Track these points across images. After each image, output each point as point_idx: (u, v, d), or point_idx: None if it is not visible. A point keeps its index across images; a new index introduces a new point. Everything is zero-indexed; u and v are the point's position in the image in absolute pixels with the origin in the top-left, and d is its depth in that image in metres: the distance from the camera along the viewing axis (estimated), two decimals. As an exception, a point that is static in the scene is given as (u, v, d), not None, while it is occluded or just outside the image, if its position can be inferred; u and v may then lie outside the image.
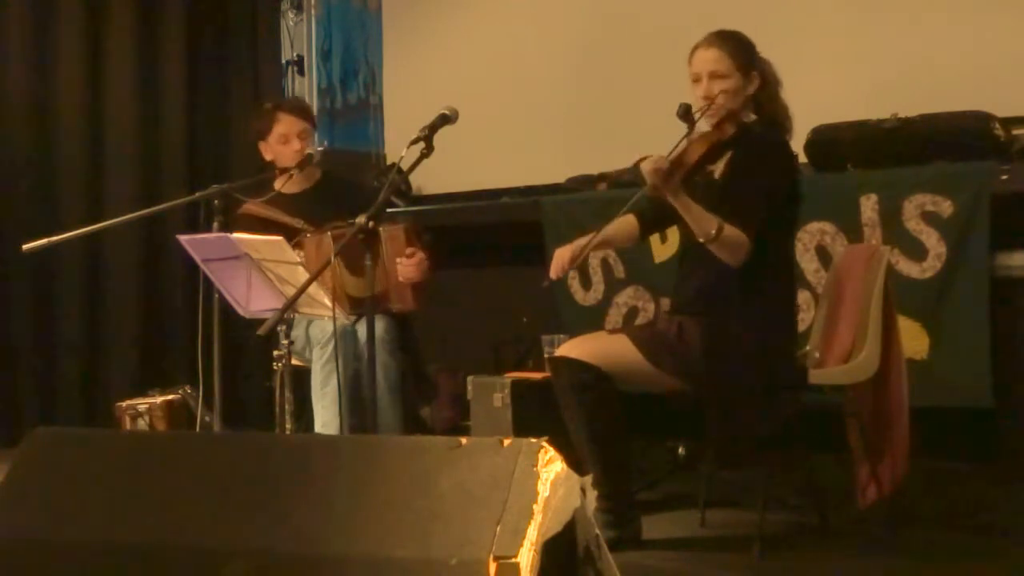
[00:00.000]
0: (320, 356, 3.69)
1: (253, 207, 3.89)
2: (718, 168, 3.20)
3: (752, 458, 3.45)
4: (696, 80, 3.18)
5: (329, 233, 3.60)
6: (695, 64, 3.20)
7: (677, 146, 3.04)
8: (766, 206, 3.07)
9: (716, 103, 3.13)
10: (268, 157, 4.04)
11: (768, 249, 3.10)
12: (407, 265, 3.71)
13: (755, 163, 3.12)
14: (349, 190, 4.06)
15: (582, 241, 3.23)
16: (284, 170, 3.93)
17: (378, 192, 3.17)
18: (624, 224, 3.40)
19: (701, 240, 3.02)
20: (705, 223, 3.01)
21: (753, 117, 3.20)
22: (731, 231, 3.00)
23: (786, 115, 3.24)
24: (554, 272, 3.24)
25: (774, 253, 3.15)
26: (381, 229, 3.64)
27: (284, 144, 3.93)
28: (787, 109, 3.24)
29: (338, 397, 3.53)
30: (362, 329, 3.64)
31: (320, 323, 3.65)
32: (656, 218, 3.37)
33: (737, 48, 3.17)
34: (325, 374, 3.64)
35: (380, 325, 3.70)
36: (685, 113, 3.11)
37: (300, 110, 4.07)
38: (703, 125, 3.18)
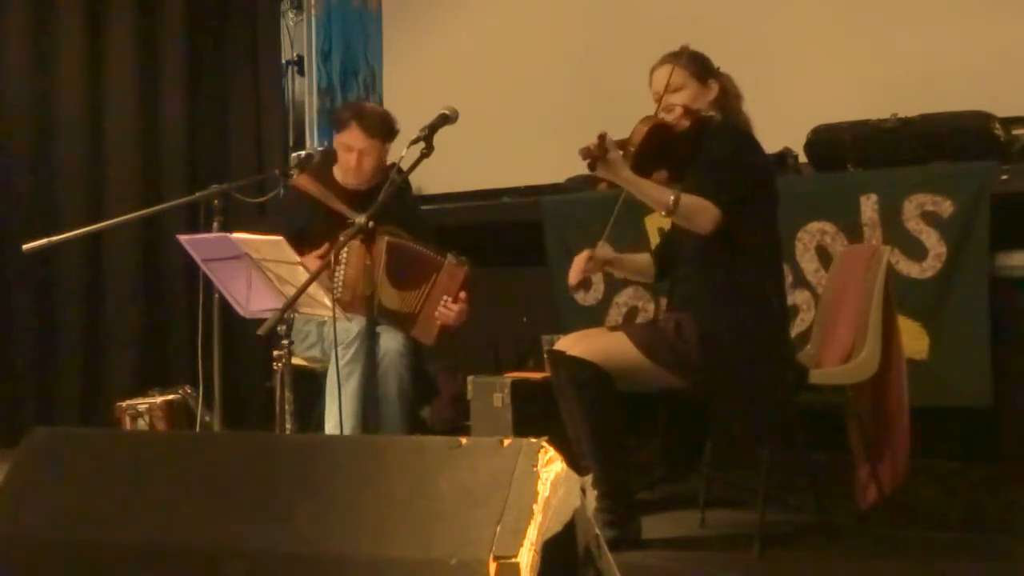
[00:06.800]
0: (343, 356, 3.68)
1: (307, 182, 3.92)
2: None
3: (752, 455, 3.45)
4: (657, 100, 3.25)
5: (387, 238, 3.70)
6: (653, 84, 3.29)
7: None
8: (734, 177, 3.10)
9: (675, 113, 3.20)
10: (335, 144, 4.04)
11: (753, 244, 3.13)
12: (450, 308, 3.75)
13: (715, 145, 3.16)
14: (403, 200, 3.97)
15: (604, 255, 3.32)
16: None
17: (417, 210, 3.16)
18: (641, 258, 3.50)
19: (663, 215, 3.05)
20: (660, 195, 3.03)
21: (714, 114, 3.24)
22: (690, 198, 3.03)
23: (748, 128, 3.28)
24: (573, 278, 3.29)
25: (760, 247, 3.17)
26: (448, 261, 3.76)
27: (345, 152, 3.92)
28: (749, 122, 3.29)
29: (356, 396, 3.63)
30: (383, 335, 3.74)
31: (344, 324, 3.64)
32: (670, 257, 3.40)
33: (689, 60, 3.23)
34: (345, 374, 3.65)
35: (399, 340, 3.76)
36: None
37: (370, 127, 3.88)
38: None
